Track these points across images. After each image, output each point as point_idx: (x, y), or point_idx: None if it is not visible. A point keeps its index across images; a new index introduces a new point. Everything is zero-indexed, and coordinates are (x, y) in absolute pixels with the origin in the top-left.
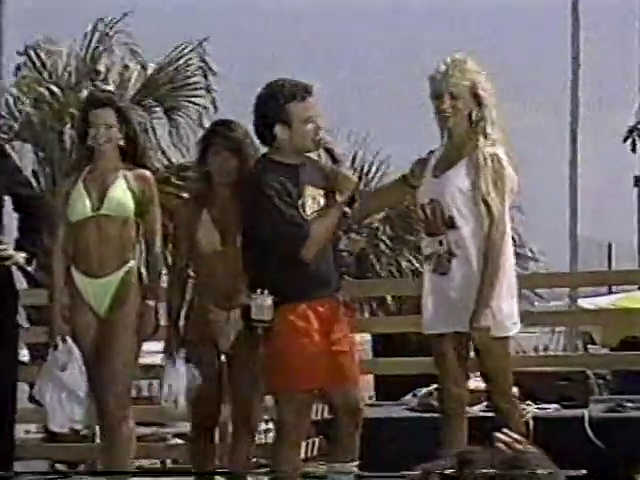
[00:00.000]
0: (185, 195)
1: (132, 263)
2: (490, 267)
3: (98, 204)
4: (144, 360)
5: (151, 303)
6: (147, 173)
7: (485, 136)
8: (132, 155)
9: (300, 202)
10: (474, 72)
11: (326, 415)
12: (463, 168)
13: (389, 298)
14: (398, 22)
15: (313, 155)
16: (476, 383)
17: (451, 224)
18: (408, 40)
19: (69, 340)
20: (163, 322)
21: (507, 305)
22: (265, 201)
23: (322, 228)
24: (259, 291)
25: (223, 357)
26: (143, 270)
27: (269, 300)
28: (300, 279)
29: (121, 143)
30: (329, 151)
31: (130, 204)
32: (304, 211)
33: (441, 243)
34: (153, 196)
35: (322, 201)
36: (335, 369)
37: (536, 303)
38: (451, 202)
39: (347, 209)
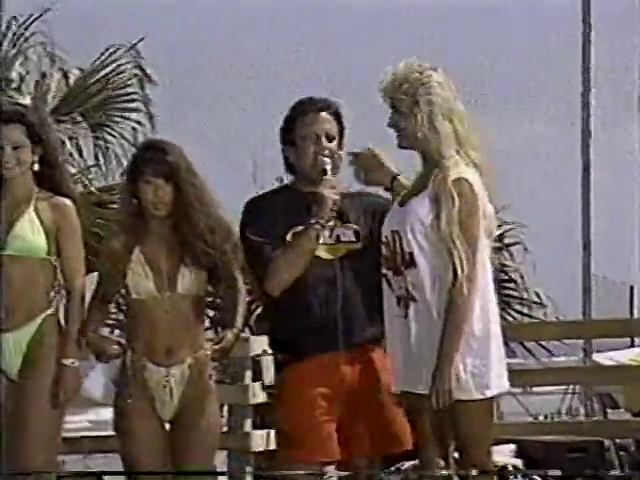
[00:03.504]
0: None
1: (48, 312)
2: (452, 320)
3: (2, 242)
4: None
5: (70, 363)
6: (64, 202)
7: (441, 158)
8: (49, 181)
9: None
10: (418, 81)
11: None
12: (427, 196)
13: None
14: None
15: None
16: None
17: (410, 262)
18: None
19: None
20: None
21: (477, 363)
22: (244, 239)
23: (284, 254)
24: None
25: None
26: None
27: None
28: (299, 329)
29: (35, 167)
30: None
31: (40, 242)
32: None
33: (405, 283)
34: (72, 230)
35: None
36: (357, 439)
37: (544, 359)
38: (411, 236)
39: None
